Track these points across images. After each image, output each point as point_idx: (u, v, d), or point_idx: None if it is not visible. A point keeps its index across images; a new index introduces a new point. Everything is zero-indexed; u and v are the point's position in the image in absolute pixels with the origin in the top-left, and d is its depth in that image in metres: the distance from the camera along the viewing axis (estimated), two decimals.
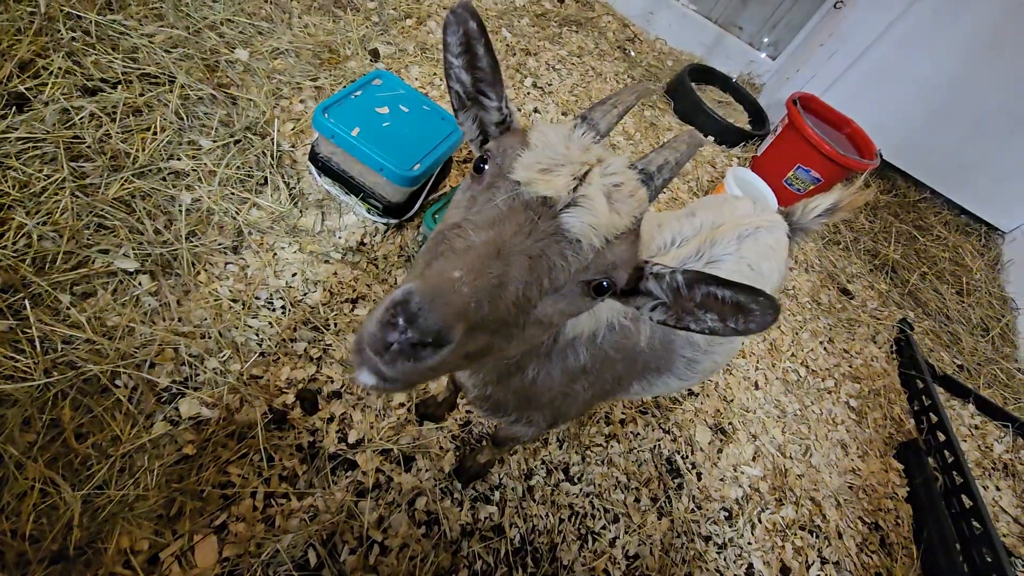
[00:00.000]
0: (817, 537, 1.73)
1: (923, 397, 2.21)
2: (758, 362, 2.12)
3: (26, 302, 1.22)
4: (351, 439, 1.36)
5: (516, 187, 0.53)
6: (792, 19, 3.54)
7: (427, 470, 1.38)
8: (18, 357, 1.16)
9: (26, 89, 1.50)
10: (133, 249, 1.40)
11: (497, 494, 1.42)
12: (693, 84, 3.19)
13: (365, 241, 1.75)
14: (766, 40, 3.66)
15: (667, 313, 0.61)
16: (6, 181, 1.35)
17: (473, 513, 1.37)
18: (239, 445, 1.25)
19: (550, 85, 2.76)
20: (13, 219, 1.30)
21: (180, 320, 1.36)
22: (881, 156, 2.84)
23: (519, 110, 2.53)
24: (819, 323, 2.44)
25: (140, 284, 1.37)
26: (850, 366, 2.32)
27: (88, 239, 1.37)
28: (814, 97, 3.01)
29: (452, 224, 0.53)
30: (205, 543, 1.13)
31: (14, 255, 1.26)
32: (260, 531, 1.17)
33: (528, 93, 2.64)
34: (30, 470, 1.06)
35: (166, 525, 1.12)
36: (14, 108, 1.46)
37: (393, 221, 1.79)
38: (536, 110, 2.57)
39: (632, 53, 3.46)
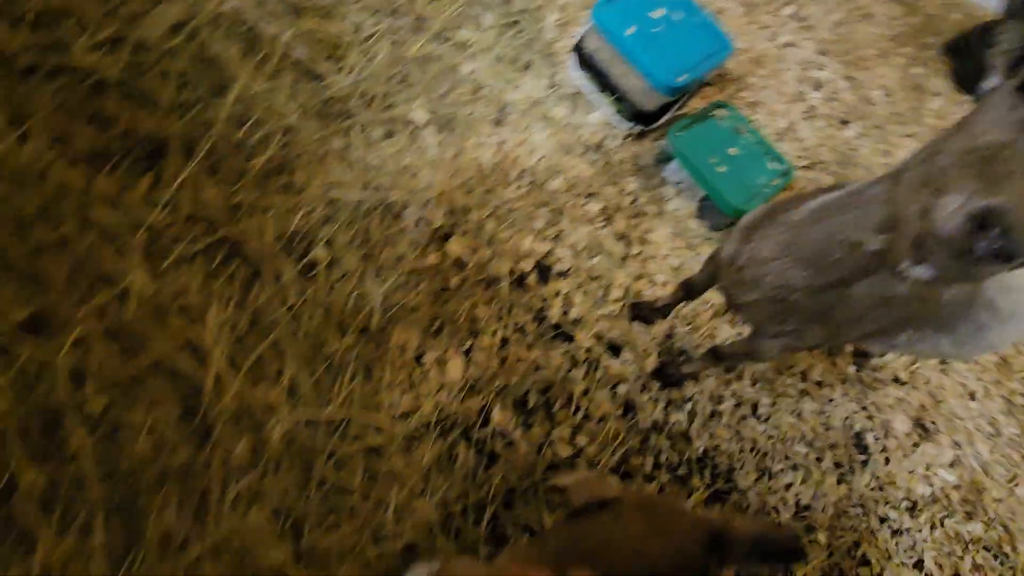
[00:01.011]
0: (1002, 563, 1.61)
1: None
2: (982, 373, 1.91)
3: (351, 129, 1.49)
4: (571, 315, 1.51)
5: None
6: None
7: (631, 363, 1.50)
8: (345, 170, 1.43)
9: None
10: (425, 104, 1.61)
11: (688, 406, 1.51)
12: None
13: (604, 143, 1.82)
14: None
15: None
16: (344, 24, 1.60)
17: (665, 415, 1.48)
18: (487, 291, 1.46)
19: (811, 18, 2.50)
20: (348, 57, 1.56)
21: (453, 174, 1.57)
22: None
23: (771, 40, 2.35)
24: None
25: (427, 136, 1.59)
26: None
27: (395, 88, 1.60)
28: None
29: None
30: (455, 359, 1.37)
31: (347, 86, 1.52)
32: (495, 365, 1.39)
33: (785, 24, 2.43)
34: (347, 261, 1.35)
35: (430, 336, 1.37)
36: None
37: (637, 128, 1.82)
38: (790, 43, 2.37)
39: None
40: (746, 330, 1.52)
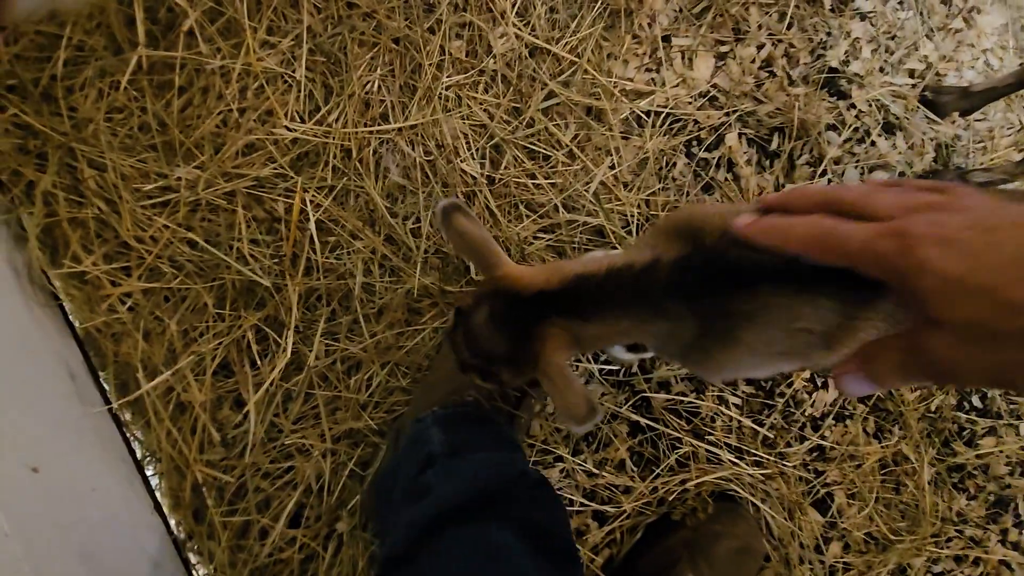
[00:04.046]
0: None
1: None
2: None
3: None
4: (852, 68, 1.21)
5: None
6: None
7: (901, 152, 1.21)
8: None
9: None
10: None
11: None
12: None
13: None
14: None
15: None
16: None
17: None
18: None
19: None
20: None
21: None
22: None
23: None
24: None
25: None
26: None
27: None
28: None
29: None
30: (705, 58, 1.12)
31: None
32: (748, 84, 1.14)
33: None
34: None
35: (686, 19, 1.12)
36: None
37: None
38: None
39: None
40: None
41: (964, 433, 1.24)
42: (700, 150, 1.12)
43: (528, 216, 1.00)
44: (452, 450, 0.66)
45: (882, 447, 1.16)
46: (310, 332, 0.91)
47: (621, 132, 1.07)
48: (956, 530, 1.20)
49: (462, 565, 0.50)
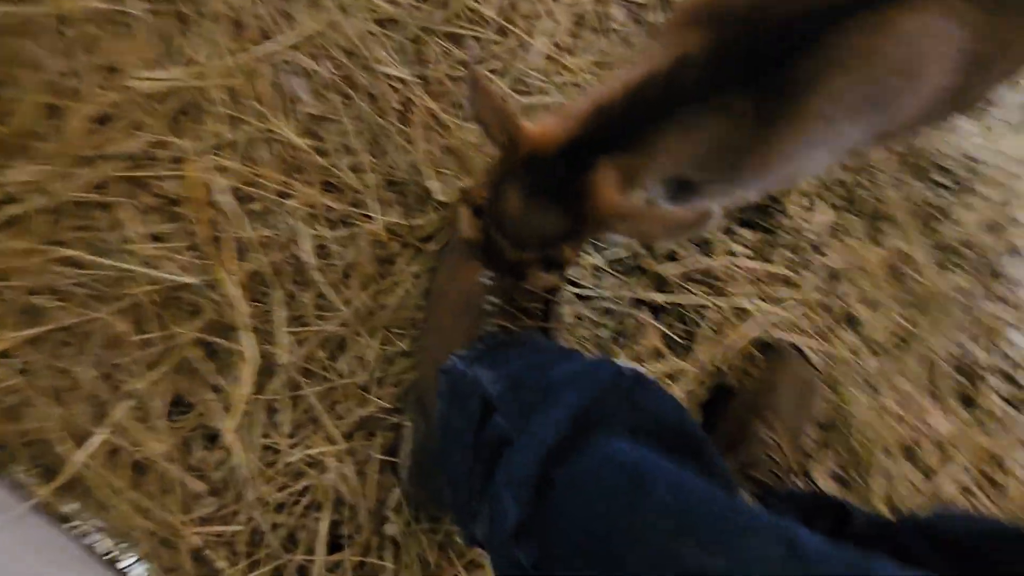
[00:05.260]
0: None
1: None
2: None
3: None
4: None
5: None
6: None
7: None
8: None
9: None
10: None
11: None
12: None
13: None
14: None
15: None
16: None
17: None
18: None
19: None
20: None
21: None
22: None
23: None
24: None
25: None
26: None
27: None
28: None
29: None
30: None
31: None
32: None
33: None
34: None
35: None
36: None
37: None
38: None
39: None
40: None
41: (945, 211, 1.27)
42: None
43: None
44: (512, 383, 0.53)
45: (884, 250, 1.16)
46: (269, 325, 0.73)
47: None
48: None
49: (603, 498, 0.39)
